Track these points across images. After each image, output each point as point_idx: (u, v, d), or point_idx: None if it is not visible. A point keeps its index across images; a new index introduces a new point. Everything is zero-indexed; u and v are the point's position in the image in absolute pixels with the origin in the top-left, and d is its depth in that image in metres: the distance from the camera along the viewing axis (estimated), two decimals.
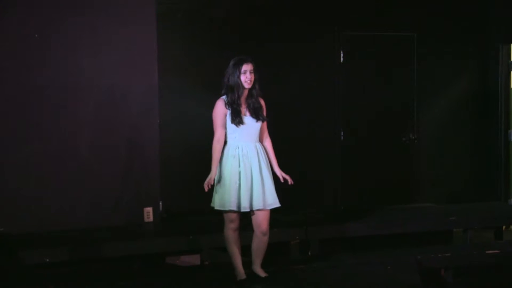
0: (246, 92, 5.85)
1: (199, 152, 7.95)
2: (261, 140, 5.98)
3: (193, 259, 6.96)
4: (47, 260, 6.32)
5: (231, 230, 5.94)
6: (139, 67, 7.40)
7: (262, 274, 6.03)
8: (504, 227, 8.57)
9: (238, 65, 5.80)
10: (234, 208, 5.80)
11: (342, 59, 8.74)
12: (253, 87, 5.86)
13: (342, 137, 8.78)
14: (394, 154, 8.97)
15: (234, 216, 5.89)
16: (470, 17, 9.24)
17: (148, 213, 7.46)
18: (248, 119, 5.86)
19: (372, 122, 8.87)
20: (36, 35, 7.01)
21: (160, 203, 7.63)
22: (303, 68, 8.56)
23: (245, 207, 5.81)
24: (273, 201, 5.89)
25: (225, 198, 5.82)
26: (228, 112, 5.82)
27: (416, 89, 9.03)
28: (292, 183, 5.97)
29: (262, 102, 5.98)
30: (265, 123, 5.97)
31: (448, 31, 9.12)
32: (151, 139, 7.49)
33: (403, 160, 9.03)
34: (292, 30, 8.48)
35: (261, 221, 5.90)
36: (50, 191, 7.06)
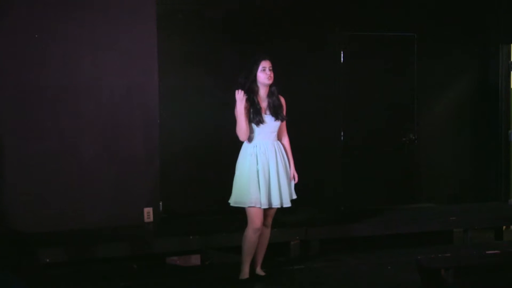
0: (266, 90, 5.85)
1: (199, 152, 7.99)
2: (279, 139, 6.00)
3: (193, 259, 6.95)
4: (47, 260, 6.32)
5: (252, 231, 5.87)
6: (139, 67, 7.40)
7: (261, 273, 6.05)
8: (504, 227, 8.57)
9: (257, 62, 5.80)
10: (257, 205, 5.81)
11: (342, 59, 8.74)
12: (273, 84, 5.87)
13: (342, 137, 8.78)
14: (394, 154, 8.96)
15: (258, 214, 5.84)
16: (470, 17, 9.23)
17: (148, 213, 7.45)
18: (267, 117, 5.88)
19: (372, 122, 8.87)
20: (36, 35, 7.01)
21: (160, 203, 7.63)
22: (303, 68, 8.55)
23: (264, 204, 5.82)
24: (287, 201, 5.95)
25: (244, 194, 5.83)
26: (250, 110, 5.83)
27: (416, 89, 9.03)
28: (295, 182, 6.05)
29: (283, 101, 5.99)
30: (284, 122, 5.98)
31: (448, 31, 9.12)
32: (151, 139, 7.48)
33: (403, 160, 9.02)
34: (292, 30, 8.47)
35: (267, 215, 5.98)
36: (50, 191, 7.05)
